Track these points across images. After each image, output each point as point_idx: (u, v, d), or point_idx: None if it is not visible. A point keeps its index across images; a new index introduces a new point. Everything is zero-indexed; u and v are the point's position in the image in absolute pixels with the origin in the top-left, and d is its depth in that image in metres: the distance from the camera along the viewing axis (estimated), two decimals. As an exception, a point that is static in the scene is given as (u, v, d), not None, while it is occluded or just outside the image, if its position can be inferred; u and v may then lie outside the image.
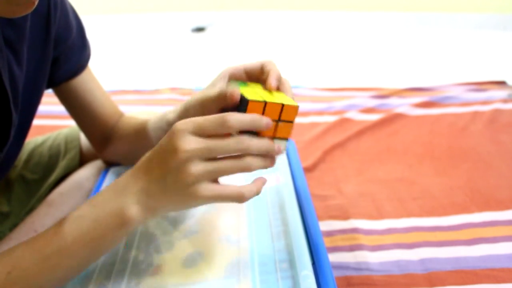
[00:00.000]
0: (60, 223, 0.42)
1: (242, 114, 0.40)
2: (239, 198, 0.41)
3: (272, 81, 0.46)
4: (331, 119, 1.17)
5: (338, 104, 1.26)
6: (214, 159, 0.40)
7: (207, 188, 0.39)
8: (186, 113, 0.50)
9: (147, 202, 0.41)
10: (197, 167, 0.38)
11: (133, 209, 0.40)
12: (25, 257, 0.41)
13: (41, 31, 0.52)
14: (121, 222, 0.40)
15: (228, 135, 0.40)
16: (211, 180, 0.40)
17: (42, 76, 0.54)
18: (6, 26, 0.46)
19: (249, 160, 0.41)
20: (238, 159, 0.40)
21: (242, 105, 0.42)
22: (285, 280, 0.46)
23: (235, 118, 0.39)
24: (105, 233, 0.41)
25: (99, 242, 0.41)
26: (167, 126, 0.54)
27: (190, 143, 0.38)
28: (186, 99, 0.52)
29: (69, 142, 0.76)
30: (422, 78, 1.48)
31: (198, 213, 0.57)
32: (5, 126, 0.48)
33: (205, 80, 1.63)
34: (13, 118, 0.48)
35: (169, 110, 0.56)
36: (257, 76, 0.50)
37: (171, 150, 0.39)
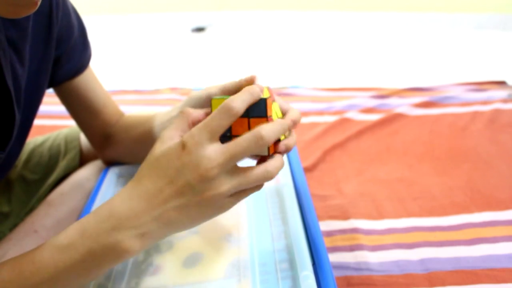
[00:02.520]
0: (48, 249, 0.38)
1: (272, 124, 0.38)
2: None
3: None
4: (331, 119, 1.17)
5: (338, 104, 1.26)
6: (236, 168, 0.37)
7: (229, 201, 0.38)
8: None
9: (156, 231, 0.37)
10: (226, 183, 0.36)
11: (135, 243, 0.37)
12: (12, 282, 0.38)
13: (43, 30, 0.52)
14: (119, 255, 0.37)
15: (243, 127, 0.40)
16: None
17: (44, 75, 0.54)
18: (9, 26, 0.46)
19: (272, 167, 0.38)
20: (262, 169, 0.38)
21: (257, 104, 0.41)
22: (285, 280, 0.46)
23: (268, 130, 0.37)
24: (100, 264, 0.38)
25: (93, 271, 0.38)
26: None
27: (212, 159, 0.35)
28: (190, 94, 0.52)
29: (69, 142, 0.76)
30: (422, 78, 1.48)
31: (198, 213, 0.57)
32: (8, 125, 0.48)
33: (205, 80, 1.63)
34: (16, 117, 0.48)
35: (174, 107, 0.56)
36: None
37: (190, 169, 0.36)
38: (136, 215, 0.37)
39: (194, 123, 0.42)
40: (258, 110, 0.40)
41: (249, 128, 0.41)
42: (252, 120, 0.41)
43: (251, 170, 0.38)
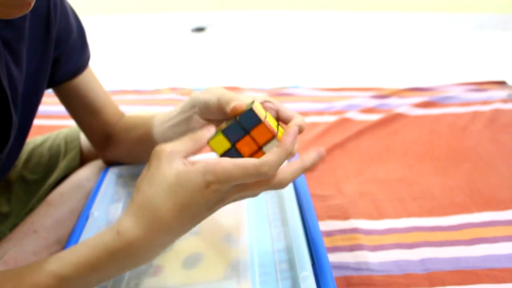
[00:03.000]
0: (59, 279, 0.38)
1: (276, 158, 0.38)
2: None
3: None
4: (331, 119, 1.17)
5: (338, 104, 1.26)
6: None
7: (223, 205, 0.41)
8: (187, 112, 0.51)
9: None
10: (231, 200, 0.40)
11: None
12: None
13: (42, 31, 0.52)
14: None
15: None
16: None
17: (42, 76, 0.54)
18: (4, 27, 0.46)
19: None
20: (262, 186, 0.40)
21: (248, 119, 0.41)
22: (285, 280, 0.46)
23: (271, 165, 0.37)
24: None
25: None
26: (171, 127, 0.54)
27: (229, 200, 0.39)
28: (190, 96, 0.52)
29: (69, 142, 0.76)
30: (422, 78, 1.48)
31: (198, 213, 0.57)
32: (5, 127, 0.48)
33: (205, 80, 1.63)
34: (13, 119, 0.48)
35: (173, 109, 0.55)
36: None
37: (210, 206, 0.38)
38: (156, 250, 0.39)
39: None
40: (251, 121, 0.41)
41: (254, 141, 0.42)
42: (252, 133, 0.41)
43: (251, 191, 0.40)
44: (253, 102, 0.42)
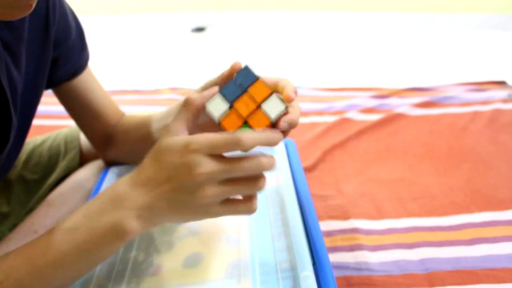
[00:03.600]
0: (54, 233, 0.41)
1: (255, 133, 0.39)
2: (250, 213, 0.41)
3: (290, 93, 0.43)
4: (331, 119, 1.17)
5: (338, 104, 1.26)
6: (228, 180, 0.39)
7: (220, 208, 0.40)
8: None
9: (150, 217, 0.40)
10: (213, 190, 0.38)
11: (133, 223, 0.39)
12: (18, 267, 0.40)
13: (40, 32, 0.52)
14: (119, 235, 0.40)
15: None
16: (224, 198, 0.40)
17: (41, 77, 0.54)
18: (4, 28, 0.46)
19: (262, 182, 0.40)
20: (251, 182, 0.40)
21: (245, 78, 0.41)
22: (286, 280, 0.46)
23: (248, 137, 0.38)
24: (101, 245, 0.40)
25: (95, 254, 0.41)
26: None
27: (206, 166, 0.37)
28: (188, 94, 0.52)
29: (69, 142, 0.76)
30: (422, 78, 1.48)
31: (198, 213, 0.57)
32: (4, 128, 0.48)
33: (205, 80, 1.63)
34: (12, 120, 0.48)
35: (171, 107, 0.56)
36: None
37: (185, 170, 0.38)
38: (133, 198, 0.40)
39: (199, 109, 0.43)
40: (248, 78, 0.41)
41: (252, 100, 0.41)
42: (250, 91, 0.41)
43: (239, 185, 0.40)
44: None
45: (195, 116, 0.43)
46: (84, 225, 0.40)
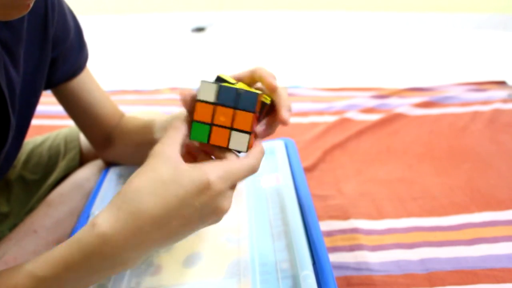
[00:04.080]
0: (27, 279, 0.35)
1: (259, 148, 0.40)
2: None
3: (272, 81, 0.43)
4: (331, 119, 1.17)
5: (338, 104, 1.26)
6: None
7: (228, 204, 0.38)
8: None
9: (150, 253, 0.37)
10: (229, 205, 0.38)
11: (126, 268, 0.36)
12: None
13: (39, 32, 0.51)
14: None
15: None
16: None
17: (39, 77, 0.54)
18: (2, 28, 0.45)
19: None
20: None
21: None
22: (286, 280, 0.46)
23: (259, 159, 0.39)
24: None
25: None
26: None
27: (230, 199, 0.37)
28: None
29: (69, 142, 0.76)
30: (422, 78, 1.48)
31: (198, 213, 0.57)
32: (3, 128, 0.48)
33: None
34: (11, 120, 0.48)
35: (174, 115, 0.55)
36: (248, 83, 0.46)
37: (213, 211, 0.36)
38: (132, 253, 0.35)
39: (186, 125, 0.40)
40: (247, 104, 0.40)
41: (232, 120, 0.40)
42: (238, 113, 0.40)
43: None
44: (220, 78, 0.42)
45: (185, 140, 0.40)
46: (64, 281, 0.35)
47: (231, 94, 0.40)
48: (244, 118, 0.40)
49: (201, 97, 0.40)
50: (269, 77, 0.42)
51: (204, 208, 0.35)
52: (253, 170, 0.38)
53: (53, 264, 0.35)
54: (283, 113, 0.42)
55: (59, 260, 0.34)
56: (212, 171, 0.35)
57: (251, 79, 0.44)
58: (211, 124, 0.40)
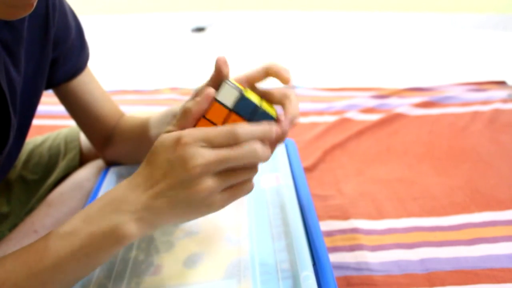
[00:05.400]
0: (51, 237, 0.40)
1: (253, 126, 0.38)
2: (249, 192, 0.41)
3: (287, 75, 0.44)
4: (331, 119, 1.17)
5: (338, 104, 1.26)
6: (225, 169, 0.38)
7: (221, 198, 0.39)
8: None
9: (149, 218, 0.39)
10: (210, 182, 0.37)
11: (132, 227, 0.38)
12: (16, 272, 0.39)
13: (40, 32, 0.51)
14: (118, 239, 0.38)
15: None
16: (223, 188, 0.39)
17: (40, 77, 0.54)
18: (3, 28, 0.45)
19: (257, 166, 0.40)
20: (248, 169, 0.40)
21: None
22: (286, 280, 0.46)
23: (245, 131, 0.37)
24: (100, 249, 0.39)
25: (93, 258, 0.40)
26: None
27: (201, 157, 0.36)
28: (186, 99, 0.51)
29: (69, 142, 0.76)
30: (422, 78, 1.48)
31: (198, 213, 0.57)
32: (4, 128, 0.48)
33: (205, 80, 1.63)
34: (12, 120, 0.48)
35: (168, 110, 0.56)
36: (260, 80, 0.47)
37: (180, 163, 0.37)
38: (131, 200, 0.39)
39: (197, 118, 0.41)
40: (244, 109, 0.40)
41: (224, 122, 0.40)
42: (233, 115, 0.40)
43: (236, 173, 0.39)
44: (227, 79, 0.42)
45: (193, 125, 0.41)
46: (82, 230, 0.39)
47: (249, 107, 0.40)
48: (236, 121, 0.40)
49: (220, 98, 0.40)
50: (284, 72, 0.43)
51: (176, 160, 0.37)
52: (230, 134, 0.37)
53: (74, 218, 0.41)
54: (284, 124, 0.42)
55: (78, 215, 0.41)
56: (187, 130, 0.38)
57: (265, 75, 0.45)
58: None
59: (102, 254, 0.40)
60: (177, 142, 0.37)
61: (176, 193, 0.38)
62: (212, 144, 0.37)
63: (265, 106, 0.43)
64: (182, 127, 0.41)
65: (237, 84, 0.42)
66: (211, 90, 0.40)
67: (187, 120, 0.41)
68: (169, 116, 0.55)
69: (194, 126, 0.41)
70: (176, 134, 0.38)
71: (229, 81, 0.41)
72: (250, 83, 0.46)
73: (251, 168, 0.40)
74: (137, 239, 0.40)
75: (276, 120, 0.42)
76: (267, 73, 0.45)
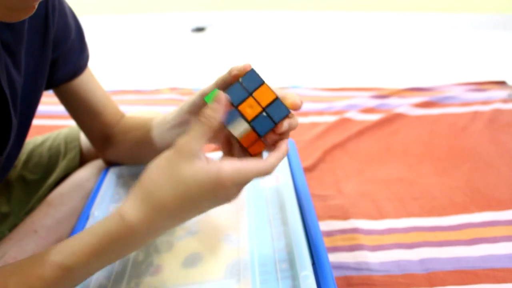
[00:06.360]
0: (56, 268, 0.39)
1: (278, 153, 0.40)
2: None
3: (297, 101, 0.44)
4: (331, 119, 1.17)
5: (338, 104, 1.26)
6: None
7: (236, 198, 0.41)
8: (183, 115, 0.50)
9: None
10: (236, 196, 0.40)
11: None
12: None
13: (40, 33, 0.51)
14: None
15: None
16: None
17: (40, 78, 0.54)
18: (4, 30, 0.45)
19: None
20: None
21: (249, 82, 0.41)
22: (285, 280, 0.46)
23: (275, 164, 0.40)
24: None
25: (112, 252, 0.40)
26: (169, 129, 0.54)
27: (239, 192, 0.39)
28: (186, 99, 0.51)
29: (69, 142, 0.76)
30: (422, 78, 1.48)
31: (198, 213, 0.57)
32: (5, 129, 0.48)
33: (205, 80, 1.63)
34: (12, 121, 0.48)
35: (174, 111, 0.55)
36: None
37: (221, 203, 0.39)
38: (156, 233, 0.40)
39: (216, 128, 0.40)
40: (254, 81, 0.41)
41: (258, 103, 0.41)
42: (255, 94, 0.41)
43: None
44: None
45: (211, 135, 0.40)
46: (96, 266, 0.40)
47: (238, 89, 0.41)
48: (263, 92, 0.41)
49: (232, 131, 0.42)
50: (296, 97, 0.43)
51: (214, 203, 0.39)
52: (265, 173, 0.39)
53: (82, 254, 0.38)
54: (282, 126, 0.42)
55: (89, 249, 0.38)
56: (226, 172, 0.37)
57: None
58: (236, 108, 0.41)
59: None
60: (221, 186, 0.37)
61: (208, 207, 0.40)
62: (248, 181, 0.39)
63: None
64: (204, 135, 0.39)
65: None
66: (225, 98, 0.41)
67: (208, 128, 0.39)
68: (173, 118, 0.54)
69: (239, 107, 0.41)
70: (217, 177, 0.37)
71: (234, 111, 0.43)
72: None
73: None
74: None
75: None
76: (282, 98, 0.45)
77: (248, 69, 0.42)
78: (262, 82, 0.41)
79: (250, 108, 0.41)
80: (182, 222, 0.40)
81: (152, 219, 0.38)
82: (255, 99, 0.41)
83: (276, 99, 0.41)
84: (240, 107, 0.41)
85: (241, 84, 0.41)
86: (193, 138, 0.38)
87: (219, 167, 0.37)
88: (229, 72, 0.44)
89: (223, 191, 0.38)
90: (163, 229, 0.40)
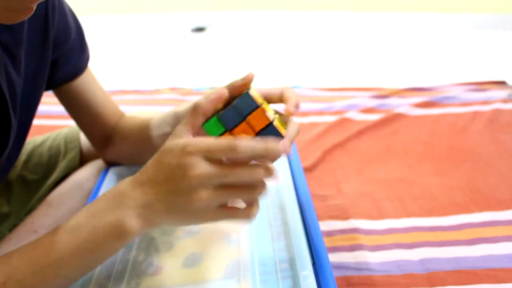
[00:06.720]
0: (57, 232, 0.41)
1: (254, 142, 0.38)
2: (248, 220, 0.41)
3: (291, 107, 0.44)
4: (331, 119, 1.17)
5: (338, 104, 1.26)
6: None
7: (216, 212, 0.39)
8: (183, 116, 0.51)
9: (149, 216, 0.40)
10: (208, 193, 0.38)
11: (134, 222, 0.39)
12: (21, 267, 0.40)
13: (39, 34, 0.51)
14: (120, 234, 0.40)
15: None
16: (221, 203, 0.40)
17: (40, 78, 0.54)
18: (3, 31, 0.45)
19: (260, 189, 0.40)
20: (248, 189, 0.39)
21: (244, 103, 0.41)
22: (285, 280, 0.46)
23: (245, 145, 0.37)
24: (103, 244, 0.40)
25: (96, 253, 0.41)
26: (170, 129, 0.54)
27: (201, 169, 0.37)
28: (186, 99, 0.52)
29: (69, 142, 0.76)
30: (422, 78, 1.48)
31: (198, 213, 0.57)
32: (4, 130, 0.48)
33: (205, 80, 1.63)
34: (12, 122, 0.48)
35: (170, 111, 0.55)
36: (275, 102, 0.48)
37: (182, 172, 0.38)
38: (134, 197, 0.40)
39: (206, 115, 0.43)
40: (248, 105, 0.41)
41: (251, 128, 0.41)
42: (249, 119, 0.41)
43: (236, 190, 0.39)
44: (249, 89, 0.42)
45: (202, 122, 0.43)
46: (86, 224, 0.41)
47: (232, 113, 0.41)
48: (257, 117, 0.41)
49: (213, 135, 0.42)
50: (292, 104, 0.45)
51: (178, 168, 0.38)
52: (231, 149, 0.37)
53: (80, 212, 0.42)
54: (290, 105, 0.44)
55: (84, 209, 0.42)
56: (191, 138, 0.40)
57: (280, 100, 0.47)
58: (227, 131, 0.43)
59: (105, 249, 0.41)
60: (183, 149, 0.38)
61: (174, 199, 0.39)
62: (214, 156, 0.38)
63: (277, 122, 0.43)
64: (192, 124, 0.42)
65: (258, 97, 0.43)
66: (225, 91, 0.43)
67: (196, 116, 0.42)
68: (171, 117, 0.54)
69: (231, 132, 0.42)
70: (183, 141, 0.39)
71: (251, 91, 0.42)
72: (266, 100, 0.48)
73: (252, 188, 0.39)
74: (139, 235, 0.41)
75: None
76: (282, 97, 0.47)
77: (251, 78, 0.43)
78: (257, 106, 0.41)
79: (243, 133, 0.42)
80: (159, 195, 0.39)
81: (134, 183, 0.41)
82: (248, 123, 0.41)
83: (270, 124, 0.41)
84: (234, 132, 0.42)
85: (235, 108, 0.41)
86: (182, 123, 0.42)
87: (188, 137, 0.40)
88: (231, 85, 0.44)
89: (181, 153, 0.38)
90: (150, 194, 0.40)
